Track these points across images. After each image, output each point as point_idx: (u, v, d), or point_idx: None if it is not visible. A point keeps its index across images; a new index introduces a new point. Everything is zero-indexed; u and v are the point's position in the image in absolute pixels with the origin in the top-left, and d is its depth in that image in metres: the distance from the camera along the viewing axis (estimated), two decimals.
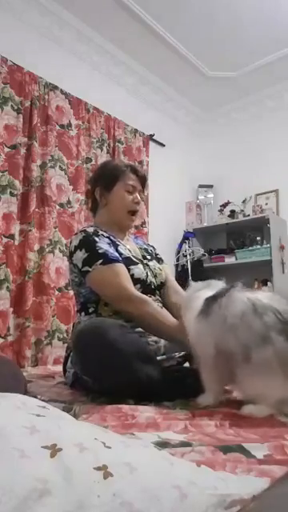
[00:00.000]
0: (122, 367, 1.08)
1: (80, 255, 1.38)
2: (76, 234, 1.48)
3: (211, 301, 1.05)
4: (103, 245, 1.39)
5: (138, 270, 1.43)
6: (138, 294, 1.33)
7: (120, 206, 1.54)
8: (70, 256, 1.44)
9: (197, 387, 1.18)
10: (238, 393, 1.10)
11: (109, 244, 1.42)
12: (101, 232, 1.45)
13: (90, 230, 1.45)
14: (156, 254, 1.70)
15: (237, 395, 1.12)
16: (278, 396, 0.94)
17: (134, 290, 1.33)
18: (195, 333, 1.06)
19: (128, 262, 1.42)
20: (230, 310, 0.99)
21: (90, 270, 1.34)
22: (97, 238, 1.40)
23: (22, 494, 0.43)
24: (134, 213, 1.57)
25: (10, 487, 0.44)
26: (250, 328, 0.95)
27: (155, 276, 1.51)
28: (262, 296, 1.01)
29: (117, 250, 1.43)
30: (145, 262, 1.52)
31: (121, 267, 1.36)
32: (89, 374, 1.18)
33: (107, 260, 1.34)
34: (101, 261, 1.34)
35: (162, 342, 1.38)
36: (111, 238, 1.47)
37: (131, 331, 1.20)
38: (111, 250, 1.39)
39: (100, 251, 1.36)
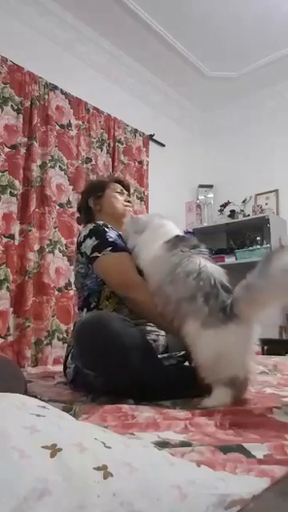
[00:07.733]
0: (123, 360, 1.08)
1: (90, 243, 1.41)
2: (85, 226, 1.52)
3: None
4: (113, 235, 1.44)
5: None
6: (143, 280, 1.34)
7: (113, 203, 1.64)
8: (78, 246, 1.47)
9: (197, 386, 1.18)
10: None
11: (118, 236, 1.46)
12: (110, 226, 1.50)
13: (100, 222, 1.50)
14: None
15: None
16: None
17: (139, 277, 1.35)
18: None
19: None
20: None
21: (99, 255, 1.38)
22: (107, 229, 1.45)
23: (22, 494, 0.43)
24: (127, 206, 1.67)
25: (10, 487, 0.44)
26: None
27: None
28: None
29: None
30: None
31: (129, 256, 1.39)
32: (90, 367, 1.18)
33: (117, 248, 1.38)
34: (110, 248, 1.38)
35: (161, 340, 1.39)
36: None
37: (132, 325, 1.21)
38: (120, 241, 1.43)
39: (110, 239, 1.40)
